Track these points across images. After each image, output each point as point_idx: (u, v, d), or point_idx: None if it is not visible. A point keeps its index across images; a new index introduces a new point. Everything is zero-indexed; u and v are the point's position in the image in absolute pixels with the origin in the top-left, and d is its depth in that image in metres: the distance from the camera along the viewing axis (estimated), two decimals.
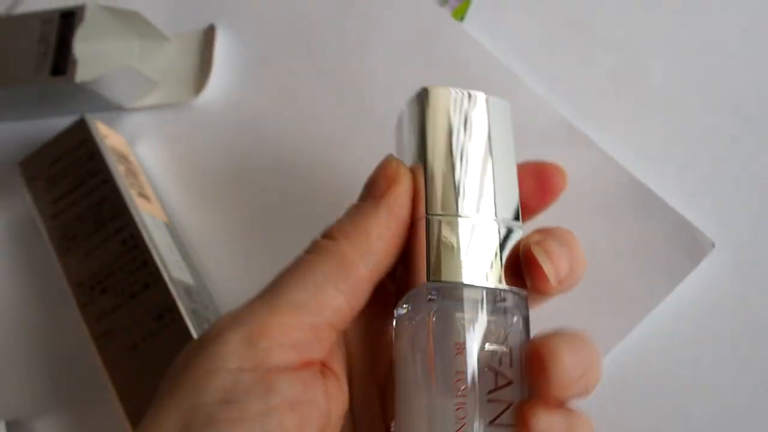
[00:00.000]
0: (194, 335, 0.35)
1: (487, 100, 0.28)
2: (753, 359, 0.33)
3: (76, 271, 0.37)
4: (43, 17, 0.42)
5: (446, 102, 0.28)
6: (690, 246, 0.35)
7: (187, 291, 0.37)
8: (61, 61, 0.41)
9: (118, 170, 0.39)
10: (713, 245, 0.34)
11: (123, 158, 0.41)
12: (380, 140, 0.39)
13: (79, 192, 0.39)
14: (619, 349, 0.34)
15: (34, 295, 0.41)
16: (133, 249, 0.37)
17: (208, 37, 0.43)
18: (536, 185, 0.29)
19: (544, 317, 0.35)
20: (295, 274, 0.25)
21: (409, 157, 0.28)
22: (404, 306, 0.26)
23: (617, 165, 0.36)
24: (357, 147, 0.39)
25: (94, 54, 0.42)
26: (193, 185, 0.42)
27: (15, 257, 0.43)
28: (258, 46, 0.43)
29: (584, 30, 0.39)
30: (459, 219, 0.26)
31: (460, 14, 0.41)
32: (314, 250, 0.25)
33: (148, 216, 0.39)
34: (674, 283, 0.34)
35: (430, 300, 0.25)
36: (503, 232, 0.26)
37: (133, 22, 0.42)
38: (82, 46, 0.41)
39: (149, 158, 0.43)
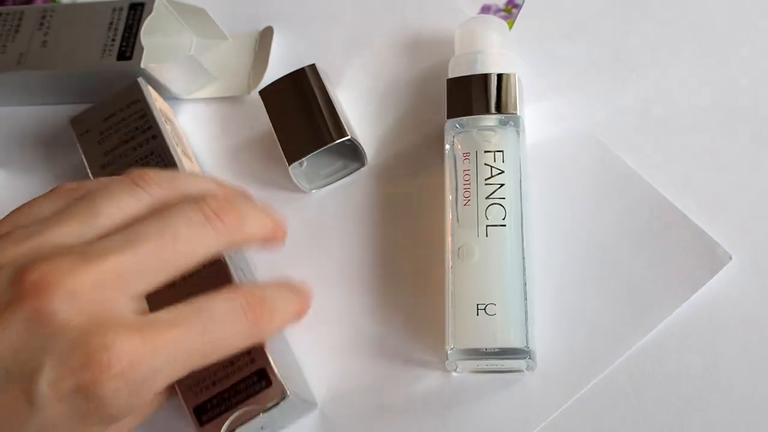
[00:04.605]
0: (233, 274, 0.36)
1: None
2: (765, 366, 0.36)
3: None
4: (113, 5, 0.45)
5: None
6: (708, 257, 0.37)
7: None
8: (127, 48, 0.43)
9: (166, 129, 0.41)
10: (731, 258, 0.37)
11: (169, 121, 0.43)
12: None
13: (129, 146, 0.41)
14: (639, 349, 0.36)
15: None
16: None
17: (265, 37, 0.46)
18: None
19: (570, 311, 0.37)
20: None
21: None
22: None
23: (642, 179, 0.39)
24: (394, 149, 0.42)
25: (157, 44, 0.44)
26: (234, 172, 0.44)
27: None
28: (313, 51, 0.46)
29: (616, 57, 0.43)
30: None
31: None
32: None
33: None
34: (692, 291, 0.37)
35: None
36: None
37: (197, 18, 0.45)
38: (147, 35, 0.44)
39: (198, 148, 0.45)
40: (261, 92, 0.42)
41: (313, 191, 0.42)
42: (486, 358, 0.35)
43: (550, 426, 0.36)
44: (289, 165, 0.40)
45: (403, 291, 0.39)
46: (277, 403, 0.34)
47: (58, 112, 0.47)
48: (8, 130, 0.48)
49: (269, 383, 0.34)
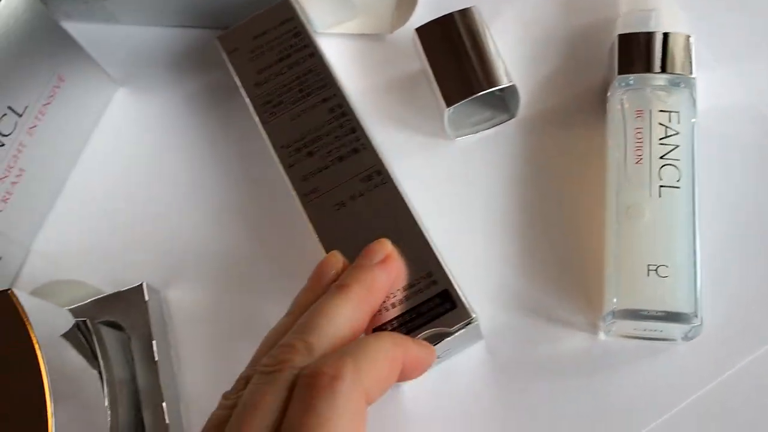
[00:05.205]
0: (405, 198, 0.35)
1: None
2: None
3: (280, 135, 0.38)
4: None
5: None
6: None
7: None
8: None
9: (321, 46, 0.40)
10: None
11: None
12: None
13: (285, 63, 0.39)
14: None
15: (234, 156, 0.43)
16: (341, 117, 0.37)
17: None
18: None
19: (726, 283, 0.36)
20: None
21: None
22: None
23: None
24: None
25: None
26: (373, 113, 0.43)
27: (215, 120, 0.44)
28: None
29: None
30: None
31: None
32: None
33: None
34: None
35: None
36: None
37: None
38: None
39: None
40: (418, 29, 0.40)
41: (458, 139, 0.41)
42: (649, 321, 0.34)
43: (699, 399, 0.35)
44: (447, 107, 0.38)
45: (548, 246, 0.38)
46: (465, 326, 0.32)
47: (184, 34, 0.46)
48: (130, 50, 0.47)
49: (454, 305, 0.33)
